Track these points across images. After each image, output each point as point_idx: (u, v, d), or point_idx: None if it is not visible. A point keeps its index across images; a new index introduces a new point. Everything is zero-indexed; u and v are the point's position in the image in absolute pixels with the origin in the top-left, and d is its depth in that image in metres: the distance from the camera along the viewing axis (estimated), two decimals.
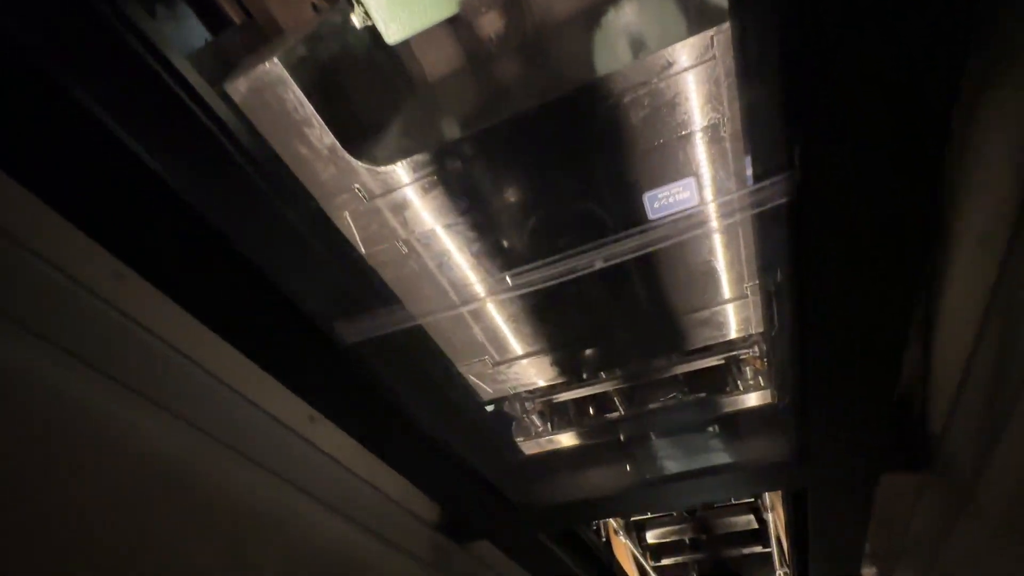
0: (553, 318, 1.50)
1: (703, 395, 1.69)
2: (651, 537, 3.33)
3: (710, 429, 1.48)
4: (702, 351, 2.03)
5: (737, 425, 1.44)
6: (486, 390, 1.77)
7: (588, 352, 1.59)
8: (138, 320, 0.97)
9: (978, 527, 1.17)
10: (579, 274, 1.04)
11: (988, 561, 1.18)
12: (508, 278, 1.12)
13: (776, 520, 2.74)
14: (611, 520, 2.80)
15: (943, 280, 1.07)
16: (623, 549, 3.19)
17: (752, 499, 2.84)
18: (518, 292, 1.16)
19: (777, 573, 3.31)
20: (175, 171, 0.90)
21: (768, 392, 1.47)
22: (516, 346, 1.60)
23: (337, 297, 1.09)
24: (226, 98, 1.00)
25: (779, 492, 2.79)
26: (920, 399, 1.23)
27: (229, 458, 1.00)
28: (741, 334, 1.55)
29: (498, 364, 1.67)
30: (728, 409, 1.49)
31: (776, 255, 1.07)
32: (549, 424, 1.95)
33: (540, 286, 1.10)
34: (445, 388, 1.51)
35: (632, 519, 3.15)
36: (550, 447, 1.62)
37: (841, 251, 0.91)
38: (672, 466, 1.40)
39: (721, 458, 1.38)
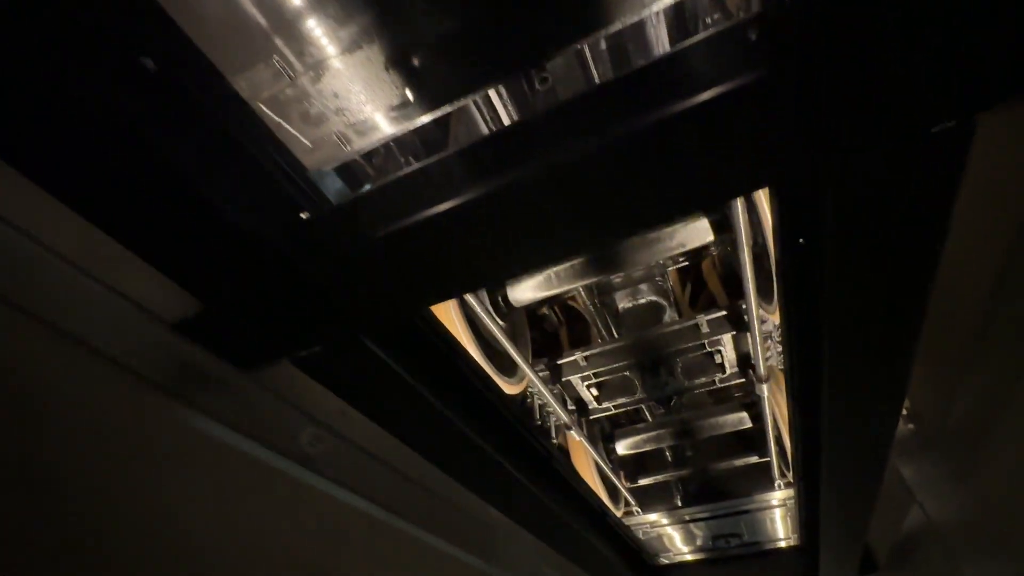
0: None
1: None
2: (622, 448, 2.72)
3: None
4: None
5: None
6: (302, 142, 1.12)
7: (441, 23, 0.92)
8: None
9: None
10: None
11: None
12: None
13: (772, 403, 2.12)
14: (561, 414, 2.17)
15: None
16: (584, 459, 2.59)
17: (740, 379, 2.21)
18: None
19: (776, 483, 2.72)
20: None
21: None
22: (313, 23, 0.92)
23: None
24: None
25: (778, 375, 2.15)
26: None
27: None
28: None
29: (299, 75, 1.00)
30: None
31: None
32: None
33: None
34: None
35: (593, 416, 2.53)
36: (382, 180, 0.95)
37: None
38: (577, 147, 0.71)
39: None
